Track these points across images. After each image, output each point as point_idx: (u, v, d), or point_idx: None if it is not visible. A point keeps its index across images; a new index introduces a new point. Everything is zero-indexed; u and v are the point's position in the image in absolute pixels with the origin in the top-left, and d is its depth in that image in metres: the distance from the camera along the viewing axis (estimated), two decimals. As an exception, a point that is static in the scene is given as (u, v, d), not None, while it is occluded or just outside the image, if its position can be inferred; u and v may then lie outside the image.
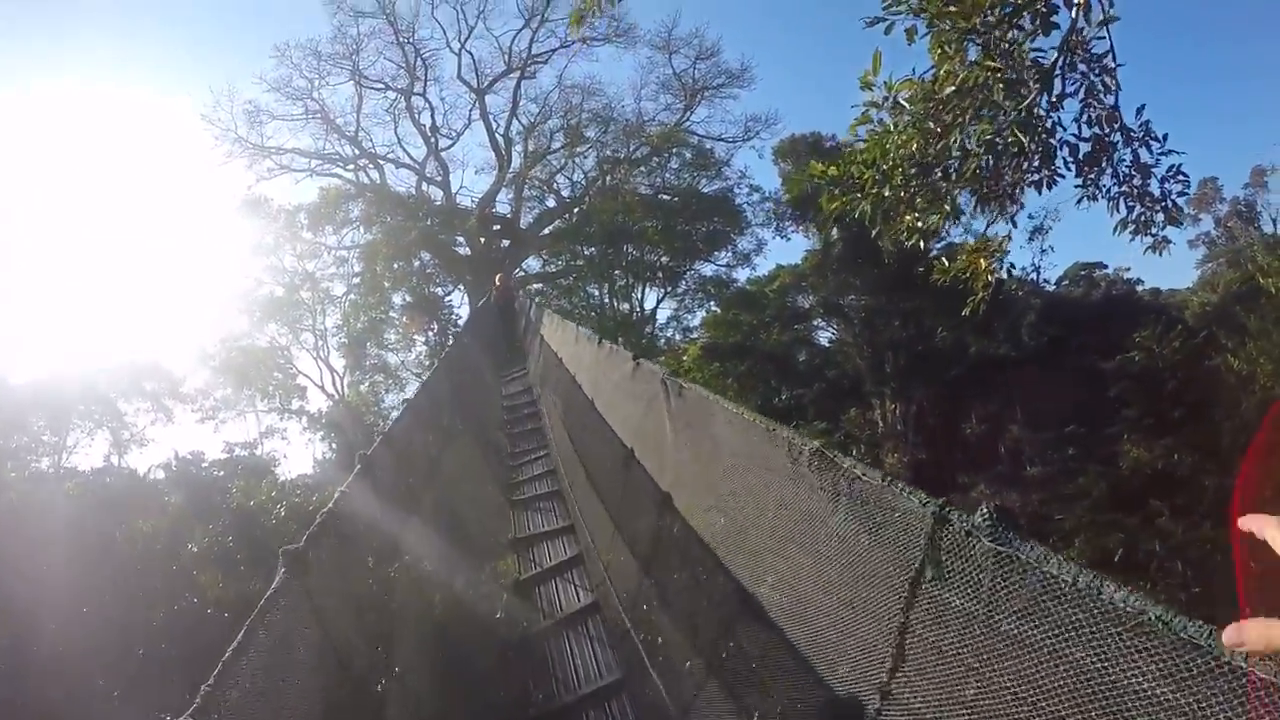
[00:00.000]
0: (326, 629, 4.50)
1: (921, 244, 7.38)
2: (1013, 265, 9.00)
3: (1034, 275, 40.33)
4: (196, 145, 73.93)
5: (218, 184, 75.53)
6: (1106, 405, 33.40)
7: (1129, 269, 44.48)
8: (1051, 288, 42.18)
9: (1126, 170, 6.49)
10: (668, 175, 40.56)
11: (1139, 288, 43.73)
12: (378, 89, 39.83)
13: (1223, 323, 36.92)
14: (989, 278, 7.87)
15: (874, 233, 7.38)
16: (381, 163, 40.27)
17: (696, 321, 43.64)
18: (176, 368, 37.80)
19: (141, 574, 15.14)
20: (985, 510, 3.03)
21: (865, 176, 6.69)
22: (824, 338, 44.14)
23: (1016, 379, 36.02)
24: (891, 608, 3.57)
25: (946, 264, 8.13)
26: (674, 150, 39.75)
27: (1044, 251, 39.90)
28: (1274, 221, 43.68)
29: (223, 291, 57.99)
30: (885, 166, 6.52)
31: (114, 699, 12.08)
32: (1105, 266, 44.04)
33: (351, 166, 40.01)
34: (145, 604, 13.88)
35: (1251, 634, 1.15)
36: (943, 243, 41.22)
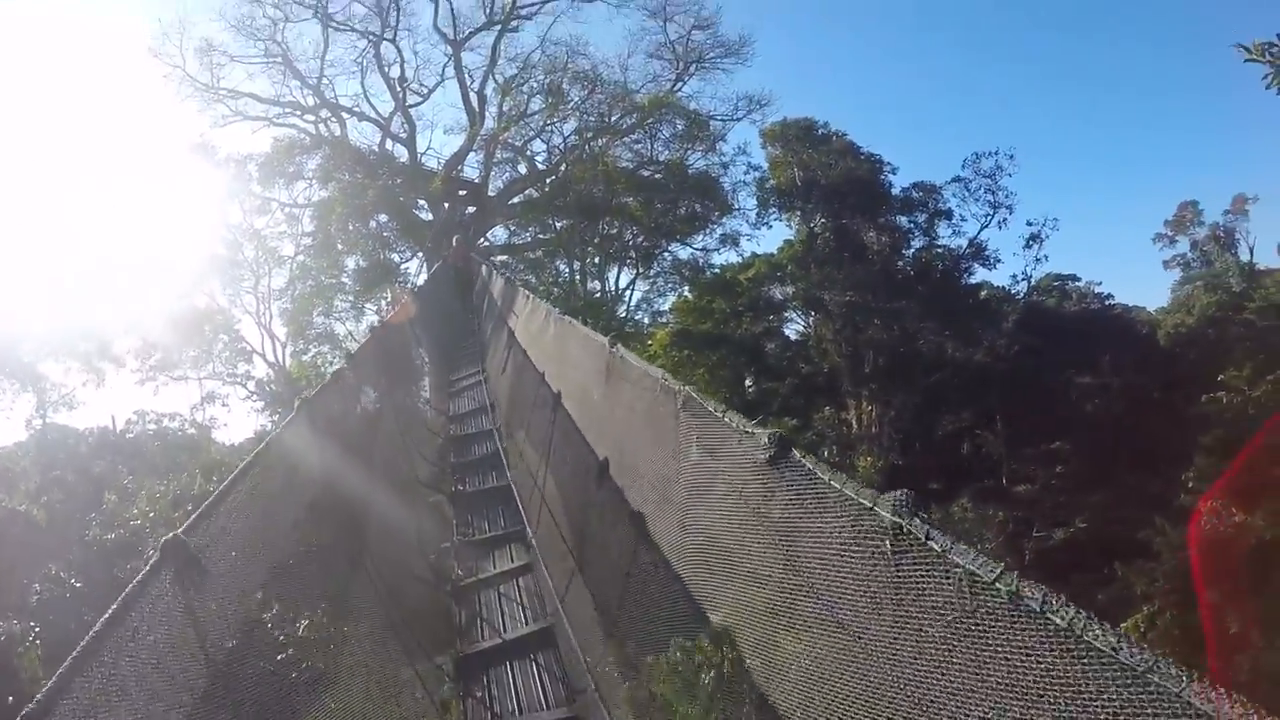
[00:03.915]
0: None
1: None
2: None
3: (1023, 284, 39.49)
4: (143, 84, 66.28)
5: (165, 129, 68.26)
6: (1091, 424, 32.59)
7: (1100, 283, 44.06)
8: (1020, 298, 41.40)
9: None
10: (656, 145, 37.93)
11: (1108, 303, 43.23)
12: (345, 30, 36.07)
13: (1196, 345, 36.76)
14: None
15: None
16: (344, 115, 36.53)
17: (668, 305, 41.63)
18: (111, 327, 33.99)
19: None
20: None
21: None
22: (793, 331, 42.70)
23: (995, 389, 35.04)
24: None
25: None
26: (665, 118, 37.10)
27: (1038, 260, 39.04)
28: (1250, 250, 43.76)
29: (163, 246, 53.33)
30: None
31: None
32: (1078, 279, 43.46)
33: (311, 117, 36.25)
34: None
35: None
36: (923, 243, 40.59)
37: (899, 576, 2.94)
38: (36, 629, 12.92)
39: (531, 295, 15.05)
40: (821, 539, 3.49)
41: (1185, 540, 23.32)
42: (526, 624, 8.27)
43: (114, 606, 3.38)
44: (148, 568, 3.70)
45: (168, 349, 33.31)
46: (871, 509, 3.09)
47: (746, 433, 4.15)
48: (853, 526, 3.24)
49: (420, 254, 37.20)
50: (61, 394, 28.80)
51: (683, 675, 4.81)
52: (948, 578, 2.69)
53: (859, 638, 3.29)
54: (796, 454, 3.65)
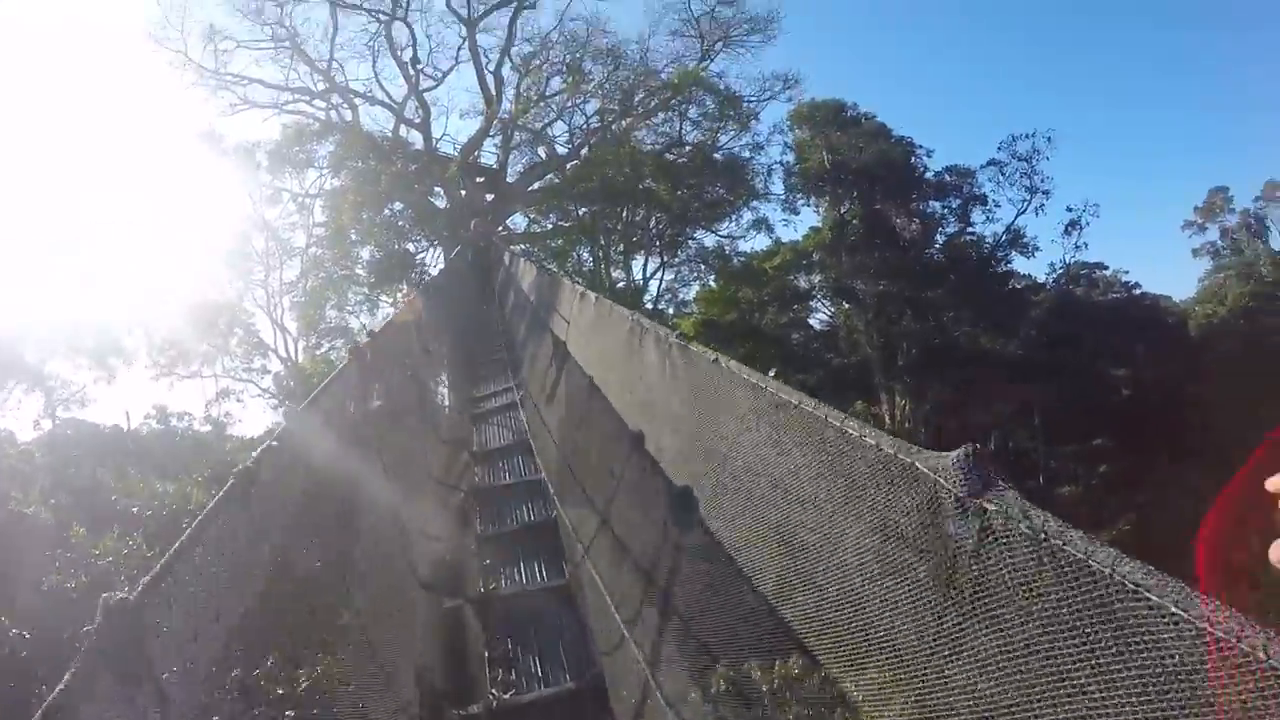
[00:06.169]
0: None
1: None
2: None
3: (1060, 272, 38.44)
4: (145, 72, 62.55)
5: (170, 119, 64.69)
6: (1127, 420, 31.82)
7: (1126, 271, 43.04)
8: (1049, 287, 40.37)
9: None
10: (684, 126, 36.36)
11: (1135, 292, 42.30)
12: (355, 11, 34.02)
13: (1228, 337, 36.05)
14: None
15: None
16: (356, 99, 34.78)
17: (692, 294, 40.24)
18: (119, 322, 32.35)
19: None
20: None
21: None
22: (818, 320, 41.38)
23: (1029, 382, 34.12)
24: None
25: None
26: (694, 97, 35.49)
27: (1078, 248, 37.90)
28: (1284, 236, 42.88)
29: (171, 239, 51.02)
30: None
31: None
32: (1105, 267, 42.38)
33: (322, 103, 34.39)
34: None
35: None
36: (956, 230, 39.35)
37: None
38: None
39: (592, 294, 10.21)
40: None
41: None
42: None
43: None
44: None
45: (180, 344, 31.62)
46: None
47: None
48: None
49: (437, 244, 35.49)
50: (71, 391, 27.11)
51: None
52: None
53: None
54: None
